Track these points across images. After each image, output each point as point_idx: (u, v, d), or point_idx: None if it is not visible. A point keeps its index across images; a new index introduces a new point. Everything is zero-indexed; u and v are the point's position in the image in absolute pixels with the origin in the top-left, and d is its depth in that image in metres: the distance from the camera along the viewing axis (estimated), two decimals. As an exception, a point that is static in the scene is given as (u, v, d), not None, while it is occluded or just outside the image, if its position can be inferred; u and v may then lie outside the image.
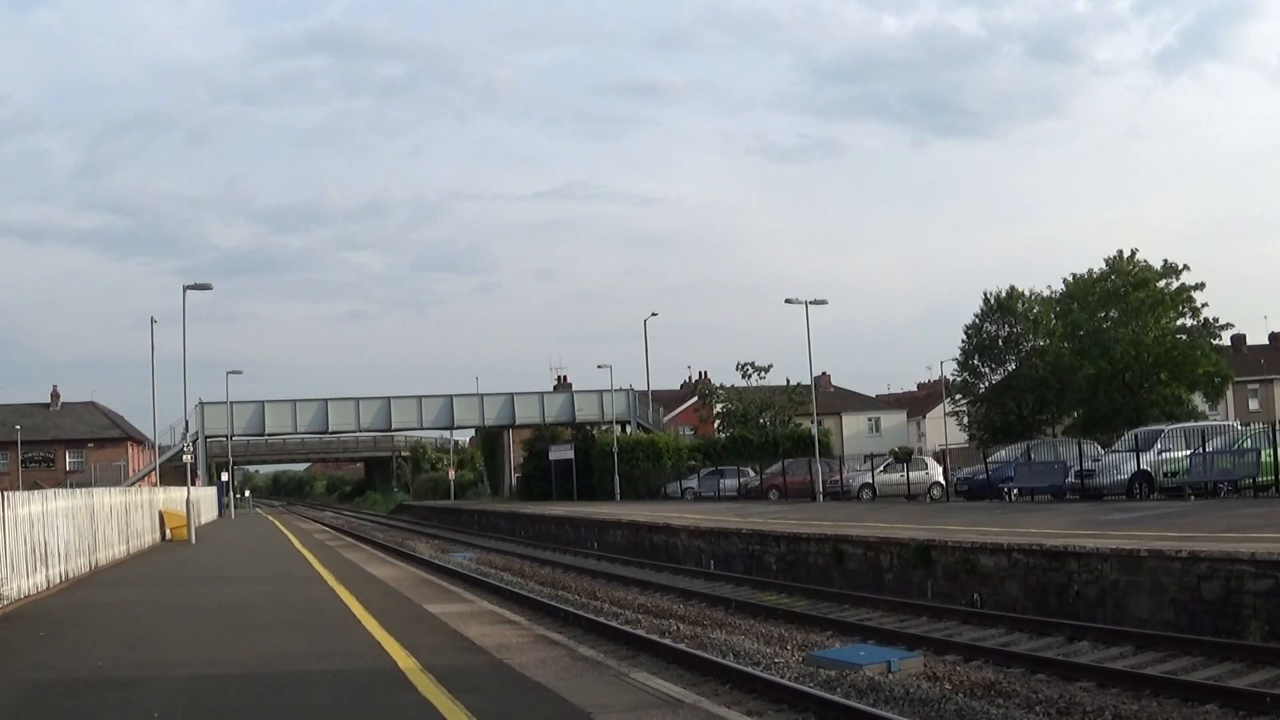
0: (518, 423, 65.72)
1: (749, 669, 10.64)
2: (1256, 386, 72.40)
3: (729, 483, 47.10)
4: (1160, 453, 26.44)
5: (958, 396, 56.07)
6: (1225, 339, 51.62)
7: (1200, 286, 47.25)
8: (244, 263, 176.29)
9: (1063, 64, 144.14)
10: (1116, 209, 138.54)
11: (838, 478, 40.40)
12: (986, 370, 52.15)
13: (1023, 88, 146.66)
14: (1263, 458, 23.56)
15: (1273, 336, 77.38)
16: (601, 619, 14.97)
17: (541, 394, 66.02)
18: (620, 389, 61.93)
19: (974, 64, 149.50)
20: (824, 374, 78.96)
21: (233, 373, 58.69)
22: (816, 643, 13.12)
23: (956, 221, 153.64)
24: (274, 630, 11.54)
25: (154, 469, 55.18)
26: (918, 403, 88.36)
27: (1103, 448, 31.12)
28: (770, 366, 59.59)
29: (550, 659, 9.36)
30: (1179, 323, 47.68)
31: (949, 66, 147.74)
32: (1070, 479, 27.40)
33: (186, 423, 52.08)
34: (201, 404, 57.93)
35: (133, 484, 47.49)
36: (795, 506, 34.45)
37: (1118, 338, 46.63)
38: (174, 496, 34.32)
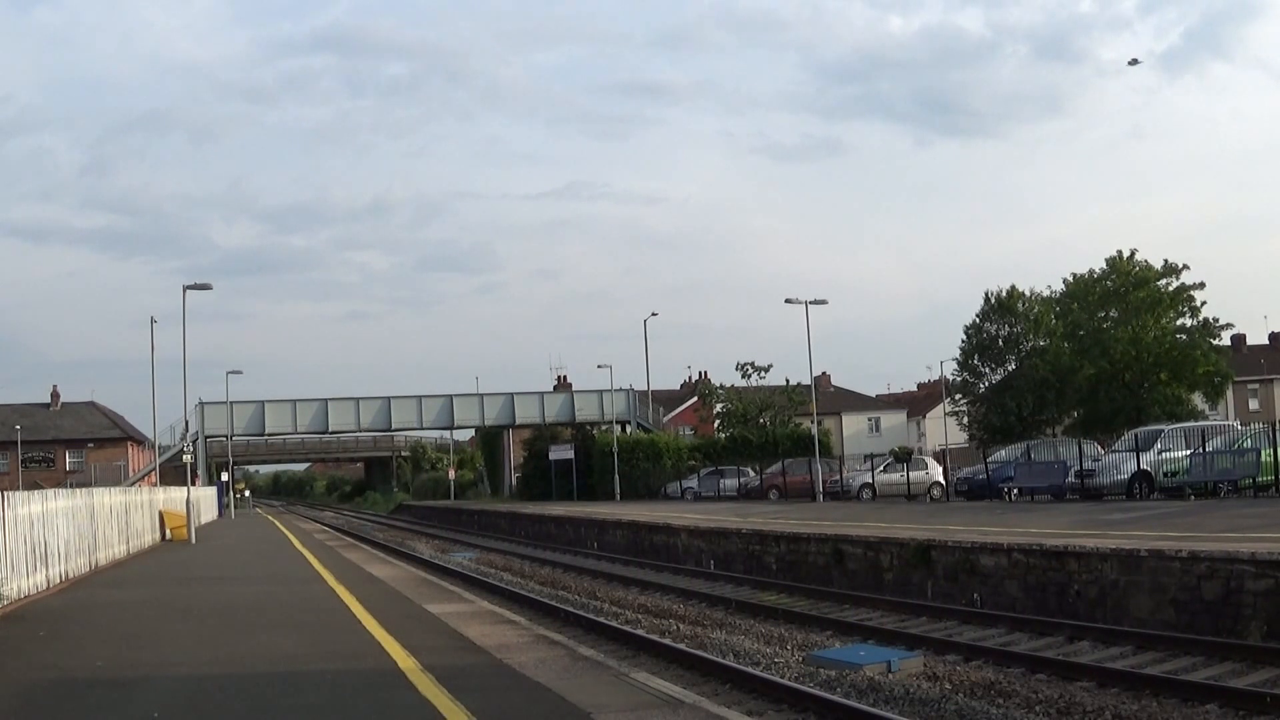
0: (518, 423, 65.72)
1: (749, 669, 10.63)
2: (1256, 386, 72.40)
3: (729, 483, 47.10)
4: (1160, 453, 26.44)
5: (958, 396, 56.05)
6: (1225, 339, 51.65)
7: (1200, 286, 47.33)
8: (246, 262, 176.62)
9: (1067, 64, 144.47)
10: (1118, 208, 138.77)
11: (838, 478, 40.40)
12: (987, 370, 52.13)
13: (1027, 87, 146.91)
14: (1263, 458, 23.56)
15: (1273, 336, 77.39)
16: (601, 619, 14.96)
17: (541, 394, 66.03)
18: (620, 389, 61.95)
19: (979, 64, 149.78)
20: (824, 374, 78.97)
21: (233, 373, 58.88)
22: (816, 643, 13.11)
23: (958, 221, 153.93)
24: (274, 630, 11.54)
25: (154, 469, 55.18)
26: (918, 403, 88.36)
27: (1103, 448, 31.14)
28: (770, 366, 59.68)
29: (550, 659, 9.35)
30: (1179, 322, 47.70)
31: (954, 66, 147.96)
32: (1070, 479, 27.40)
33: (186, 423, 52.09)
34: (201, 404, 57.96)
35: (133, 484, 47.49)
36: (795, 506, 34.45)
37: (1118, 337, 46.65)
38: (174, 496, 34.33)
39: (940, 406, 68.00)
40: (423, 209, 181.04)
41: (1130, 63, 46.01)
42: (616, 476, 52.76)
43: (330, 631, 11.36)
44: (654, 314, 75.71)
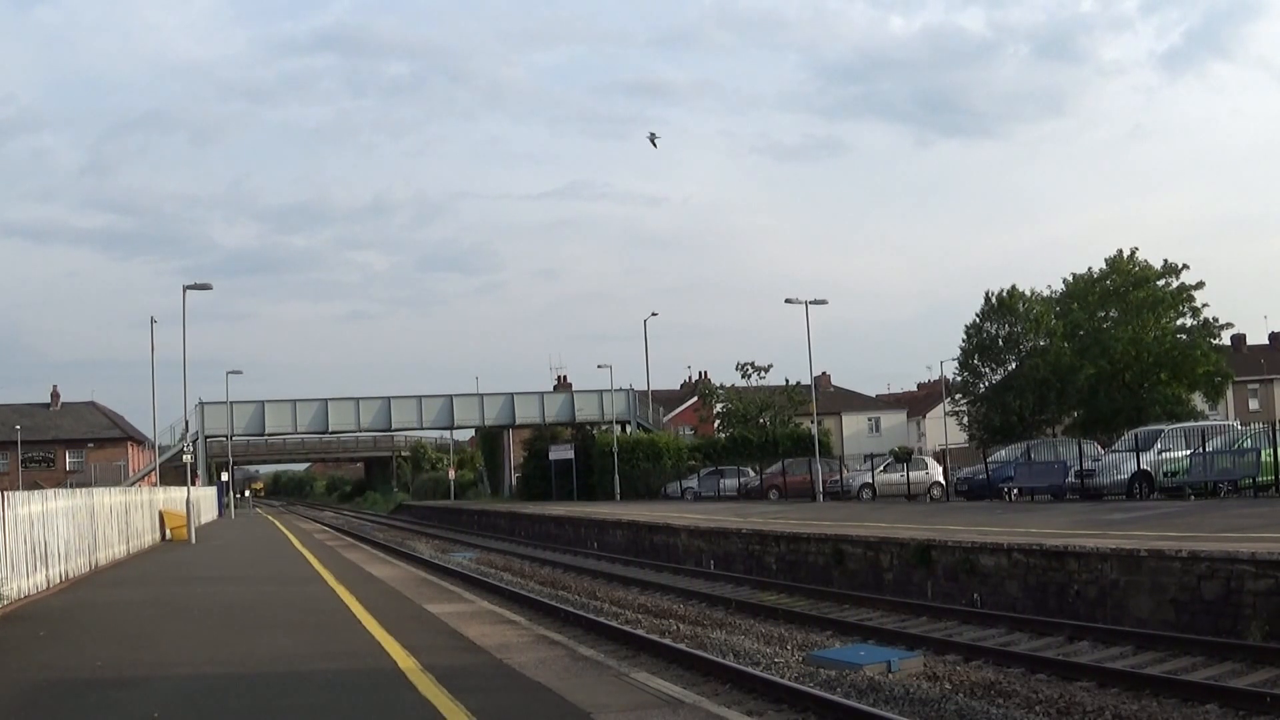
0: (518, 423, 65.73)
1: (749, 669, 10.64)
2: (1256, 386, 72.41)
3: (729, 483, 47.11)
4: (1160, 453, 26.44)
5: (958, 396, 56.06)
6: (1225, 339, 51.66)
7: (1200, 286, 47.32)
8: (247, 262, 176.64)
9: (1069, 64, 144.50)
10: (1119, 208, 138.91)
11: (838, 478, 40.41)
12: (987, 370, 52.13)
13: (1028, 87, 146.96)
14: (1263, 458, 23.55)
15: (1273, 336, 77.40)
16: (601, 619, 14.97)
17: (541, 394, 66.03)
18: (620, 389, 61.96)
19: (980, 64, 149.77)
20: (824, 374, 78.98)
21: (233, 373, 58.83)
22: (816, 643, 13.11)
23: (959, 221, 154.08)
24: (274, 630, 11.54)
25: (154, 469, 55.17)
26: (918, 403, 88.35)
27: (1103, 448, 31.13)
28: (770, 366, 59.76)
29: (550, 659, 9.35)
30: (1179, 322, 47.70)
31: (955, 66, 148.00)
32: (1070, 479, 27.39)
33: (186, 423, 52.06)
34: (201, 404, 57.96)
35: (133, 484, 47.49)
36: (795, 506, 34.45)
37: (1118, 337, 46.65)
38: (174, 496, 34.32)
39: (940, 406, 68.01)
40: (423, 209, 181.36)
41: (650, 137, 46.27)
42: (616, 476, 52.76)
43: (330, 631, 11.35)
44: (654, 314, 75.84)
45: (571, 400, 65.00)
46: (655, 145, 45.03)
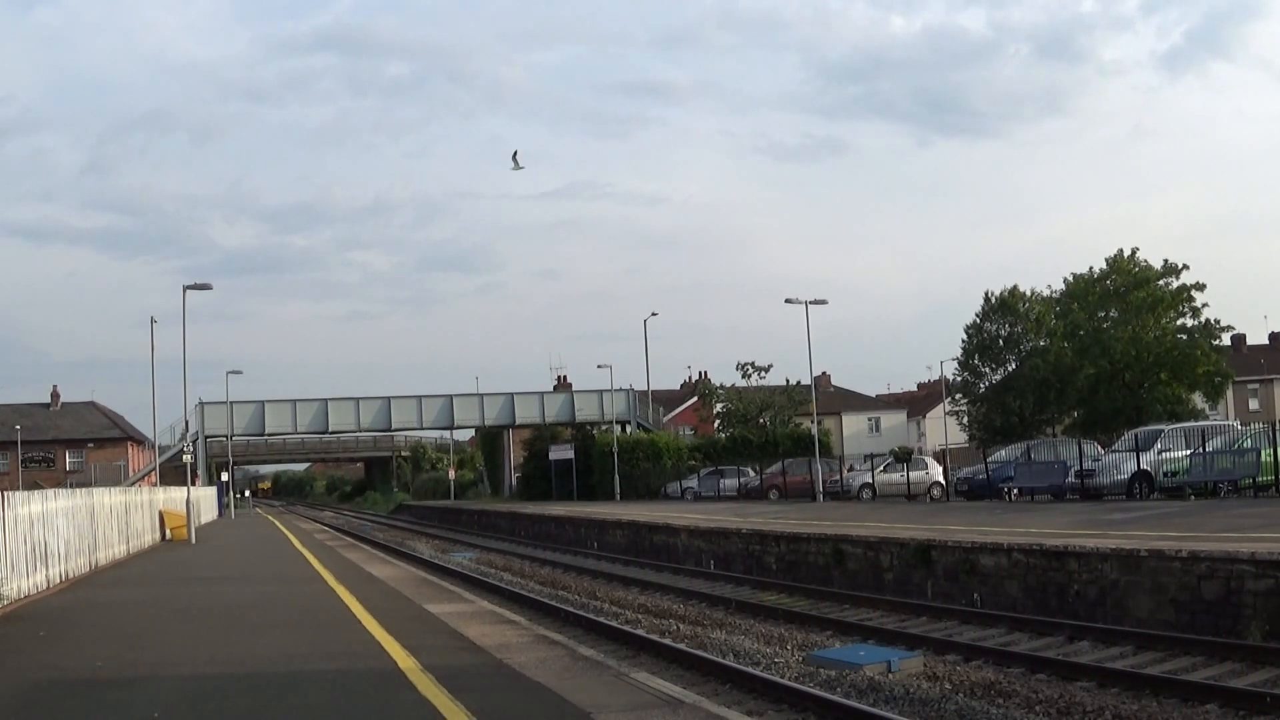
0: (518, 423, 65.75)
1: (749, 669, 10.64)
2: (1256, 386, 72.40)
3: (729, 483, 47.12)
4: (1160, 453, 26.44)
5: (958, 396, 56.05)
6: (1225, 339, 51.59)
7: (1200, 286, 47.26)
8: (247, 262, 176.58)
9: (1069, 64, 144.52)
10: (1119, 208, 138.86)
11: (838, 478, 40.42)
12: (987, 370, 52.13)
13: (1029, 87, 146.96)
14: (1263, 458, 23.55)
15: (1273, 336, 77.38)
16: (601, 619, 14.97)
17: (541, 394, 66.06)
18: (620, 389, 61.97)
19: (981, 64, 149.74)
20: (824, 374, 78.94)
21: (233, 373, 58.89)
22: (816, 643, 13.11)
23: (959, 221, 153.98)
24: (274, 630, 11.55)
25: (154, 469, 55.18)
26: (918, 403, 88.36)
27: (1103, 448, 31.12)
28: (770, 366, 59.72)
29: (550, 659, 9.36)
30: (1179, 322, 47.67)
31: (955, 66, 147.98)
32: (1070, 479, 27.40)
33: (186, 423, 52.05)
34: (201, 404, 58.00)
35: (133, 484, 47.49)
36: (795, 506, 34.45)
37: (1118, 337, 46.62)
38: (174, 496, 34.33)
39: (940, 406, 67.99)
40: (424, 209, 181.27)
41: (513, 157, 46.53)
42: (616, 476, 52.77)
43: (330, 631, 11.36)
44: (654, 314, 75.71)
45: (571, 400, 65.02)
46: (518, 165, 45.22)
